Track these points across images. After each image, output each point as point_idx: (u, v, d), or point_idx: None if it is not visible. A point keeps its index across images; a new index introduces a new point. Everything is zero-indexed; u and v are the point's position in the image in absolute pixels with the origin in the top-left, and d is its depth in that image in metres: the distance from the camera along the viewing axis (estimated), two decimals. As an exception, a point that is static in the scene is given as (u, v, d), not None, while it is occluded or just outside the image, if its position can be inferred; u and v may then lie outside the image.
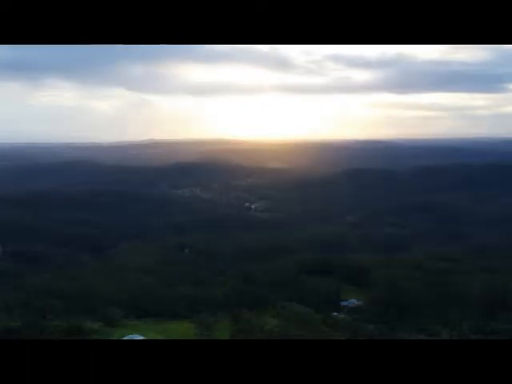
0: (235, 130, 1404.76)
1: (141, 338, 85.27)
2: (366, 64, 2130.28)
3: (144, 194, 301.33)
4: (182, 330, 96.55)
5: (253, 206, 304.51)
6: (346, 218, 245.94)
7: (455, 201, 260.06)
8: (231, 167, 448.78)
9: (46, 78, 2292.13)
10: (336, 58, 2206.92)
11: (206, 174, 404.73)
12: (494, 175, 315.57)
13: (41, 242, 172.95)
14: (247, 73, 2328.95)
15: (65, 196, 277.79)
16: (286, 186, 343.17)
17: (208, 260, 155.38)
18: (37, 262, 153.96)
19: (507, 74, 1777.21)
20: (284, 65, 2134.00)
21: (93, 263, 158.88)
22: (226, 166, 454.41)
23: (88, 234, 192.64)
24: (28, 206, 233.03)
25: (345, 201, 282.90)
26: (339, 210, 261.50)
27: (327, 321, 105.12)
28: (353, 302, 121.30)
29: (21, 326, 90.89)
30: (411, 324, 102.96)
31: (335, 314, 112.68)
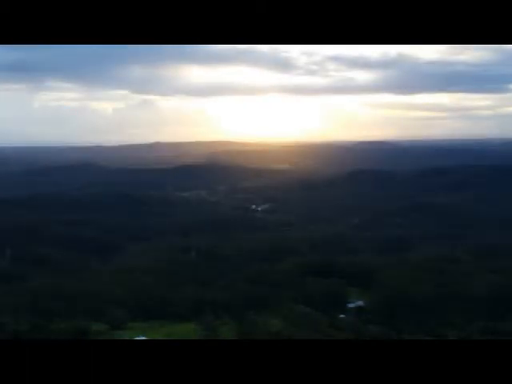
0: (238, 131, 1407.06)
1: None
2: (367, 65, 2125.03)
3: (150, 196, 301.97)
4: (187, 331, 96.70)
5: (258, 208, 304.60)
6: (350, 219, 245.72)
7: (458, 202, 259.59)
8: (235, 169, 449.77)
9: (49, 79, 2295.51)
10: (337, 59, 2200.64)
11: (210, 176, 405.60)
12: (497, 176, 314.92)
13: (46, 244, 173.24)
14: (248, 74, 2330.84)
15: (70, 198, 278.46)
16: (290, 188, 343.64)
17: (214, 262, 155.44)
18: (43, 264, 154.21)
19: (509, 75, 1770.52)
20: (285, 66, 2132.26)
21: (99, 265, 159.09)
22: (230, 167, 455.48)
23: (94, 236, 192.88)
24: (32, 209, 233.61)
25: (348, 202, 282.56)
26: (343, 211, 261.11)
27: (334, 323, 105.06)
28: (359, 303, 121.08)
29: (28, 328, 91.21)
30: (419, 326, 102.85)
31: (342, 316, 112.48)
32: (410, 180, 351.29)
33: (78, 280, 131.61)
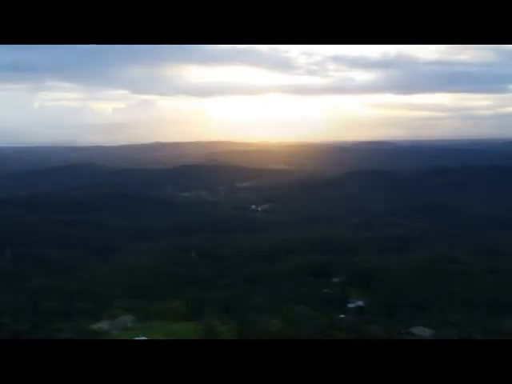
0: (238, 131, 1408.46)
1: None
2: (367, 65, 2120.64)
3: (150, 196, 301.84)
4: (187, 331, 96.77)
5: (259, 208, 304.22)
6: (351, 219, 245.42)
7: (459, 202, 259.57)
8: (236, 169, 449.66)
9: (49, 79, 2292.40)
10: (337, 59, 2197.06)
11: (210, 176, 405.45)
12: (497, 176, 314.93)
13: (46, 244, 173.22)
14: (248, 74, 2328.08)
15: (70, 198, 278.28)
16: (291, 188, 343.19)
17: (214, 262, 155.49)
18: (43, 264, 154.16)
19: (509, 75, 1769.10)
20: (285, 66, 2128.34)
21: (100, 265, 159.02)
22: (230, 167, 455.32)
23: (94, 236, 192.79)
24: (33, 209, 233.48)
25: (349, 202, 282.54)
26: (344, 211, 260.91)
27: (334, 323, 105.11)
28: (359, 303, 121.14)
29: (28, 328, 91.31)
30: (418, 326, 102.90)
31: (342, 315, 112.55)
32: (410, 180, 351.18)
33: (78, 280, 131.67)
